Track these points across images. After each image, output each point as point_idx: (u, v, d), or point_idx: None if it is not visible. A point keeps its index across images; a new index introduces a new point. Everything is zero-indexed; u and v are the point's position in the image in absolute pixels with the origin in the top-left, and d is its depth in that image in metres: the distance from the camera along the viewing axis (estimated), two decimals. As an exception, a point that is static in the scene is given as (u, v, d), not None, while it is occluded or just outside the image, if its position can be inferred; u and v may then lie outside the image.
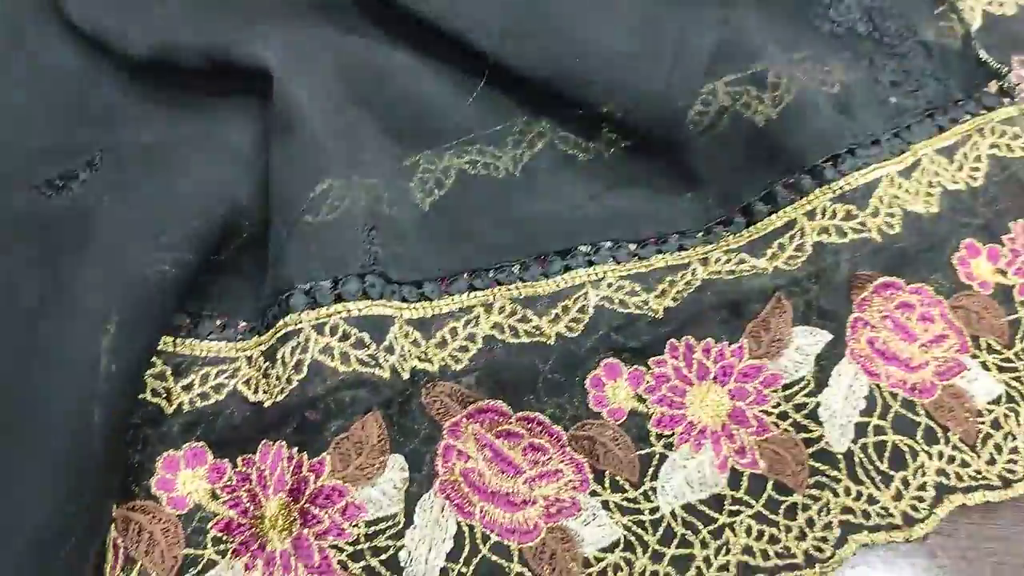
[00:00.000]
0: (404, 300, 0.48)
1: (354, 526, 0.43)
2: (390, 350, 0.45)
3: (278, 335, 0.45)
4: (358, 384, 0.44)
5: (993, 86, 0.59)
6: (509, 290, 0.49)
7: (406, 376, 0.45)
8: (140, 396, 0.44)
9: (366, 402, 0.44)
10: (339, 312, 0.45)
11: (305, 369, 0.44)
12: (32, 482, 0.36)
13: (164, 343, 0.46)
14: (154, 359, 0.45)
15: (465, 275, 0.50)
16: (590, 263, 0.51)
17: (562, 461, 0.46)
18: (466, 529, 0.44)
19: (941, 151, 0.56)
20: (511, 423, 0.47)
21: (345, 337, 0.44)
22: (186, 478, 0.44)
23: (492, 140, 0.54)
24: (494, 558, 0.44)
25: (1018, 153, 0.57)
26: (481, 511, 0.45)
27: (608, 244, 0.52)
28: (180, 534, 0.43)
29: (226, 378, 0.45)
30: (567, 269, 0.50)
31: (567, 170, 0.55)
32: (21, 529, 0.35)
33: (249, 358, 0.46)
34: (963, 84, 0.59)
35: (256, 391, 0.45)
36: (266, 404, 0.44)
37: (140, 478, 0.43)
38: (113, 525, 0.42)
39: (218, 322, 0.47)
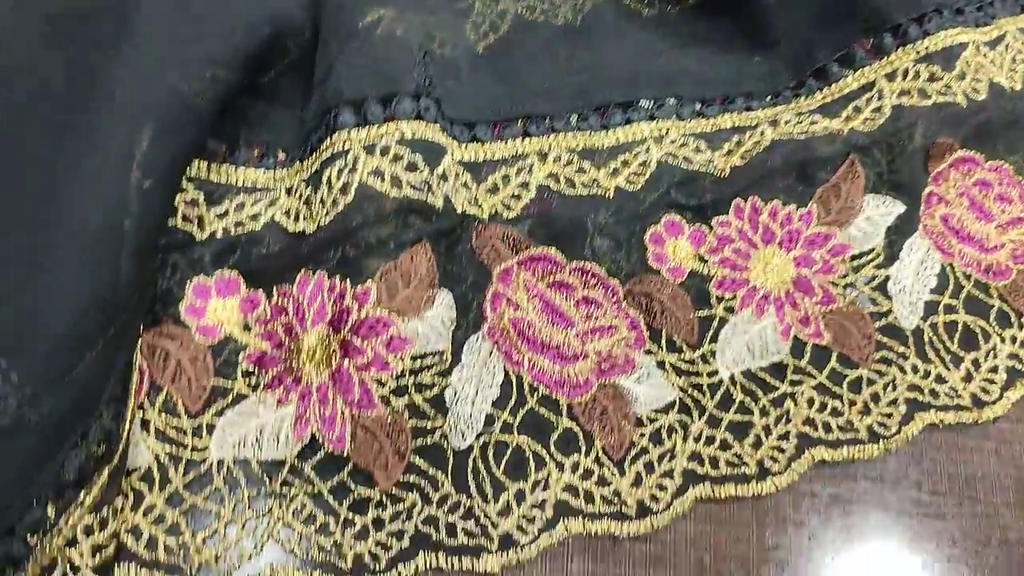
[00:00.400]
0: (455, 139, 0.44)
1: (399, 359, 0.40)
2: (444, 177, 0.41)
3: (323, 156, 0.41)
4: (409, 211, 0.41)
5: None
6: (566, 139, 0.46)
7: (460, 209, 0.42)
8: (171, 222, 0.40)
9: (417, 231, 0.41)
10: (391, 132, 0.41)
11: (352, 192, 0.40)
12: (59, 282, 0.33)
13: (198, 169, 0.41)
14: (186, 184, 0.41)
15: (520, 121, 0.46)
16: (652, 118, 0.47)
17: (616, 316, 0.43)
18: (514, 378, 0.42)
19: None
20: (564, 273, 0.43)
21: (397, 159, 0.40)
22: (217, 306, 0.40)
23: None
24: (541, 411, 0.41)
25: None
26: (530, 361, 0.42)
27: (672, 100, 0.48)
28: (209, 364, 0.40)
29: (263, 207, 0.42)
30: (628, 122, 0.47)
31: (629, 23, 0.51)
32: (47, 327, 0.32)
33: (289, 188, 0.42)
34: None
35: (297, 220, 0.41)
36: (308, 231, 0.41)
37: (168, 305, 0.40)
38: (139, 350, 0.39)
39: (256, 151, 0.43)
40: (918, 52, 0.48)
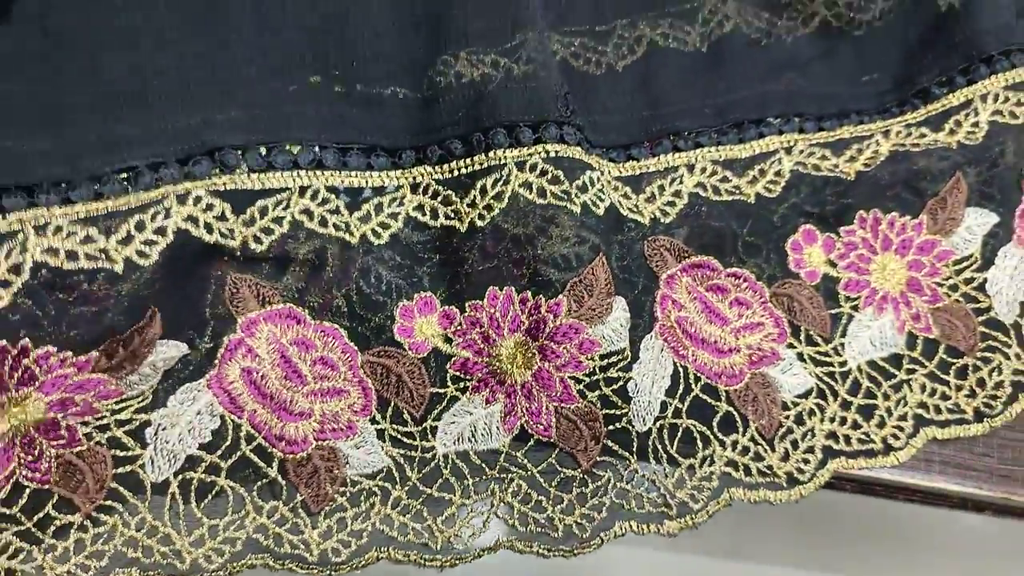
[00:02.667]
0: (612, 161, 0.51)
1: (589, 359, 0.47)
2: (583, 189, 0.47)
3: (474, 168, 0.46)
4: (582, 228, 0.47)
5: None
6: (710, 152, 0.52)
7: (600, 212, 0.47)
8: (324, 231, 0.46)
9: (592, 246, 0.47)
10: (539, 152, 0.46)
11: (506, 199, 0.46)
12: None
13: (332, 175, 0.46)
14: (327, 194, 0.46)
15: (669, 137, 0.53)
16: (780, 132, 0.54)
17: (763, 315, 0.51)
18: (680, 370, 0.49)
19: None
20: (720, 278, 0.50)
21: (543, 173, 0.46)
22: (421, 324, 0.47)
23: (683, 16, 0.56)
24: (704, 397, 0.49)
25: None
26: (692, 355, 0.49)
27: (796, 118, 0.55)
28: (424, 375, 0.46)
29: (397, 206, 0.47)
30: (761, 136, 0.54)
31: (752, 50, 0.57)
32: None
33: (415, 186, 0.47)
34: None
35: (436, 216, 0.47)
36: (460, 229, 0.46)
37: (382, 331, 0.46)
38: (363, 370, 0.46)
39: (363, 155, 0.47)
40: (1007, 80, 0.55)
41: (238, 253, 0.44)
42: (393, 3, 0.49)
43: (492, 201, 0.46)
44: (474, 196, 0.46)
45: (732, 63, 0.56)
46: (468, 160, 0.46)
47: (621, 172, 0.51)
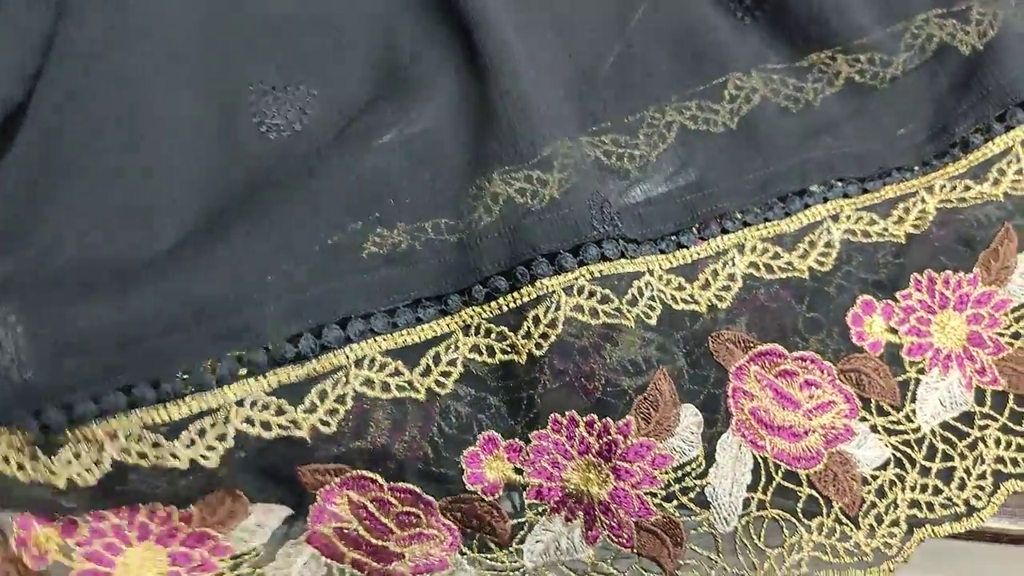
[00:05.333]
0: (662, 252, 0.51)
1: (664, 473, 0.47)
2: (633, 302, 0.48)
3: (522, 300, 0.47)
4: (644, 344, 0.48)
5: None
6: (758, 230, 0.53)
7: (653, 321, 0.48)
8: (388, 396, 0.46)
9: (656, 356, 0.48)
10: (584, 275, 0.47)
11: (560, 325, 0.46)
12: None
13: (385, 339, 0.46)
14: (384, 359, 0.46)
15: (717, 220, 0.53)
16: (825, 200, 0.54)
17: (833, 393, 0.51)
18: (760, 462, 0.49)
19: None
20: (788, 363, 0.51)
21: (592, 295, 0.47)
22: (489, 464, 0.47)
23: (709, 95, 0.57)
24: (787, 484, 0.49)
25: None
26: (770, 444, 0.49)
27: (839, 183, 0.55)
28: (503, 512, 0.47)
29: (454, 352, 0.47)
30: (806, 207, 0.54)
31: (783, 119, 0.57)
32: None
33: (466, 328, 0.48)
34: None
35: (492, 355, 0.47)
36: (520, 361, 0.47)
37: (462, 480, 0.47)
38: (444, 514, 0.47)
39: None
40: None
41: (309, 443, 0.44)
42: None
43: (547, 329, 0.46)
44: (528, 328, 0.47)
45: (766, 135, 0.56)
46: (516, 294, 0.47)
47: (672, 263, 0.51)
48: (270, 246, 0.46)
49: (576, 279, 0.47)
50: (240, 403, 0.43)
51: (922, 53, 0.58)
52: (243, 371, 0.44)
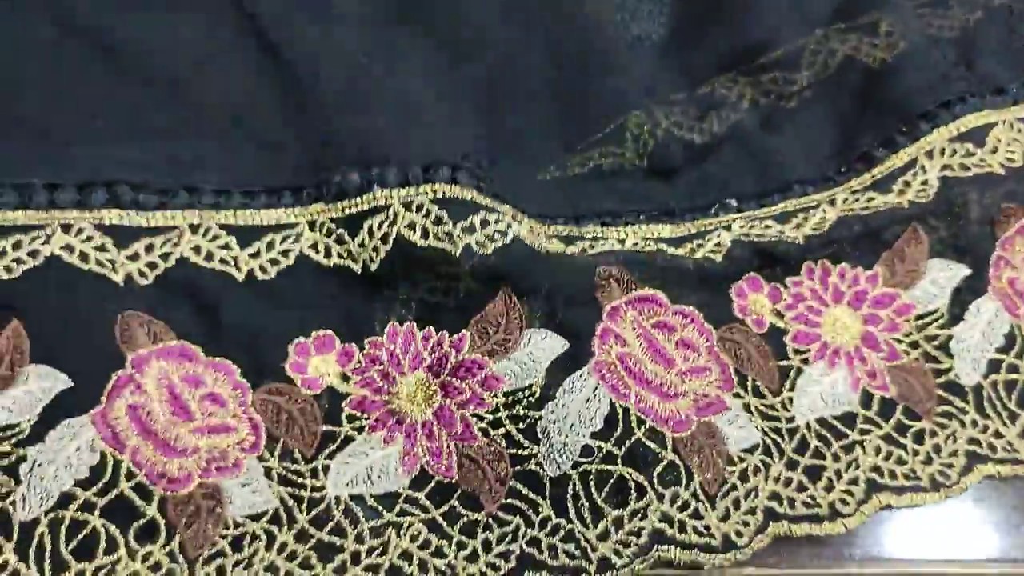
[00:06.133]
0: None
1: (493, 396, 0.45)
2: (469, 230, 0.46)
3: (363, 207, 0.46)
4: (485, 267, 0.46)
5: None
6: (642, 229, 0.51)
7: (488, 251, 0.46)
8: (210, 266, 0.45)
9: (493, 283, 0.46)
10: (427, 192, 0.46)
11: (391, 242, 0.45)
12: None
13: (224, 215, 0.46)
14: (218, 231, 0.46)
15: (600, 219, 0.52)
16: (716, 215, 0.52)
17: (709, 359, 0.47)
18: (620, 411, 0.45)
19: None
20: (667, 314, 0.48)
21: (428, 214, 0.45)
22: (316, 363, 0.45)
23: (613, 138, 0.55)
24: (649, 443, 0.45)
25: None
26: (636, 396, 0.45)
27: (733, 201, 0.53)
28: (317, 412, 0.44)
29: (291, 243, 0.46)
30: (694, 219, 0.52)
31: (689, 152, 0.56)
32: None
33: (312, 224, 0.47)
34: None
35: (328, 255, 0.46)
36: (355, 267, 0.46)
37: (272, 365, 0.44)
38: (253, 407, 0.43)
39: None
40: (951, 132, 0.53)
41: (121, 286, 0.43)
42: None
43: (379, 243, 0.45)
44: (363, 237, 0.46)
45: (671, 166, 0.55)
46: (358, 199, 0.46)
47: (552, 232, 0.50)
48: None
49: (418, 195, 0.45)
50: (65, 229, 0.44)
51: (825, 68, 0.58)
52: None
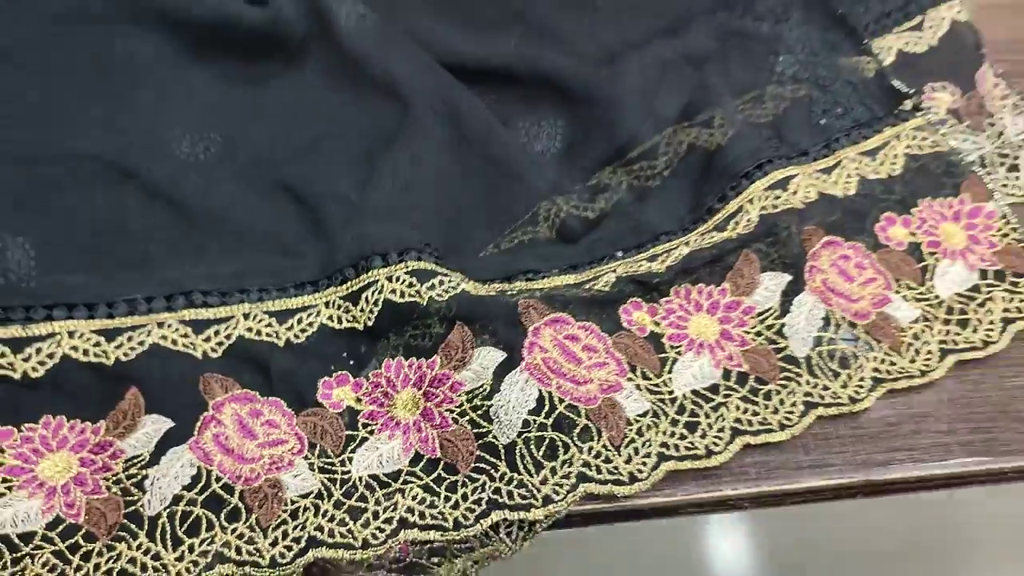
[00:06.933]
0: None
1: (458, 395, 0.63)
2: (432, 288, 0.65)
3: (361, 284, 0.65)
4: (440, 315, 0.65)
5: (908, 104, 0.82)
6: (554, 280, 0.72)
7: (445, 299, 0.64)
8: (260, 339, 0.65)
9: (448, 326, 0.66)
10: (402, 268, 0.65)
11: (381, 304, 0.65)
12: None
13: (267, 305, 0.66)
14: (263, 315, 0.66)
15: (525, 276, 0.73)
16: (607, 263, 0.74)
17: (607, 357, 0.67)
18: (546, 395, 0.64)
19: (864, 153, 0.79)
20: (573, 328, 0.67)
21: (403, 282, 0.65)
22: (338, 392, 0.63)
23: (531, 222, 0.75)
24: (568, 414, 0.64)
25: (927, 151, 0.79)
26: (556, 384, 0.65)
27: (619, 253, 0.75)
28: (341, 424, 0.63)
29: (314, 317, 0.66)
30: (591, 267, 0.74)
31: (582, 225, 0.76)
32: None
33: (327, 303, 0.66)
34: (882, 106, 0.82)
35: (340, 323, 0.65)
36: (359, 328, 0.65)
37: (308, 398, 0.63)
38: (298, 426, 0.62)
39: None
40: (764, 184, 0.74)
41: (199, 358, 0.63)
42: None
43: (373, 307, 0.66)
44: (363, 305, 0.66)
45: (575, 237, 0.76)
46: (354, 281, 0.67)
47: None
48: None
49: (396, 270, 0.66)
50: (160, 325, 0.64)
51: (677, 155, 0.78)
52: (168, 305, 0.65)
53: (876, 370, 0.69)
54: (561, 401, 0.64)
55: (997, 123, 0.81)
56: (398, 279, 0.66)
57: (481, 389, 0.63)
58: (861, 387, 0.68)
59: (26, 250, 0.65)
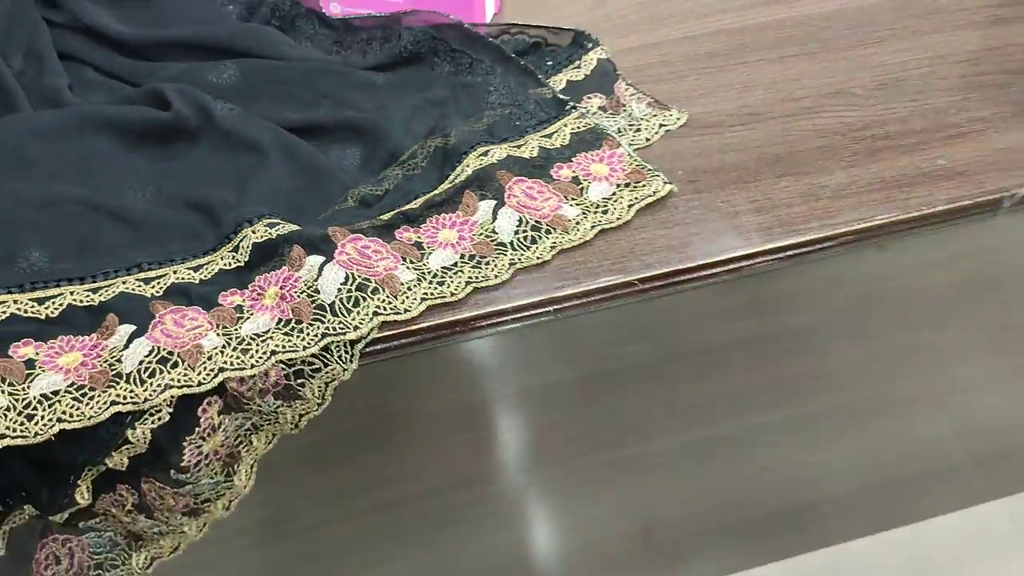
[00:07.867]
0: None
1: (299, 284, 0.87)
2: (280, 231, 0.98)
3: (239, 240, 1.00)
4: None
5: (571, 106, 1.14)
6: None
7: (286, 234, 0.99)
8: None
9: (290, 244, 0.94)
10: (261, 224, 1.02)
11: (251, 247, 0.99)
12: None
13: (185, 264, 1.01)
14: (184, 270, 1.10)
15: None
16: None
17: (388, 254, 0.95)
18: (350, 275, 0.85)
19: (543, 136, 1.18)
20: (367, 241, 0.89)
21: (262, 233, 0.99)
22: (230, 299, 0.94)
23: (344, 202, 1.10)
24: (363, 282, 0.85)
25: (583, 129, 1.12)
26: (356, 269, 0.86)
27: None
28: (234, 313, 0.89)
29: (214, 266, 0.98)
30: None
31: (374, 200, 1.07)
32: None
33: (221, 257, 0.99)
34: (556, 112, 1.25)
35: (230, 265, 0.99)
36: (241, 265, 0.97)
37: (213, 304, 1.00)
38: (208, 317, 1.06)
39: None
40: (475, 155, 1.07)
41: (149, 297, 0.98)
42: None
43: (246, 251, 0.98)
44: (241, 252, 1.00)
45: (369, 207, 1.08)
46: (235, 237, 1.00)
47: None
48: None
49: (257, 227, 1.12)
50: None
51: (427, 154, 1.11)
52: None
53: (554, 243, 1.16)
54: (360, 276, 0.95)
55: (627, 109, 1.34)
56: (259, 232, 1.00)
57: (312, 277, 0.87)
58: (544, 252, 1.10)
59: (41, 253, 1.00)
